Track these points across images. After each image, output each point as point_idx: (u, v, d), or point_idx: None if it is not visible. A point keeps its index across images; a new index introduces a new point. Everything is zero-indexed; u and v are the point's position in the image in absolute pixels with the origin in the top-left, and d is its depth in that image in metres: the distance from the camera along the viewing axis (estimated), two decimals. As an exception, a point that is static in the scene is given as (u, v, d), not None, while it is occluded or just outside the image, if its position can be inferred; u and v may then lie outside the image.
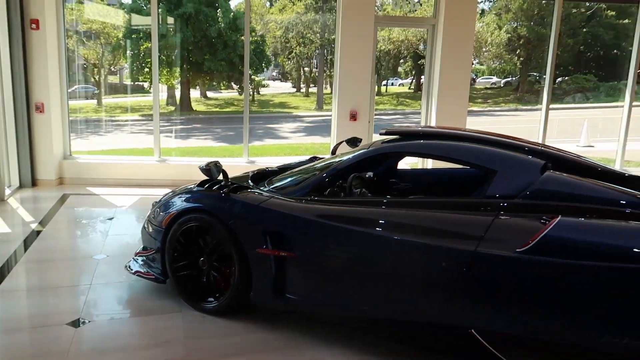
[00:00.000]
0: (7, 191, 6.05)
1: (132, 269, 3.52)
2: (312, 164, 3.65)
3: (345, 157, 3.19)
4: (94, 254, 4.20)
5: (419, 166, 7.00)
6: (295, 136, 15.02)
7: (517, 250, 2.20)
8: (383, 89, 23.77)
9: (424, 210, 2.61)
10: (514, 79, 22.60)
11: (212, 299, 3.13)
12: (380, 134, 3.24)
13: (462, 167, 3.33)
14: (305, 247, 2.80)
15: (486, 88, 22.99)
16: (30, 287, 3.61)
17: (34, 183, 6.54)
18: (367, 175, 3.55)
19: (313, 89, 23.41)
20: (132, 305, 3.31)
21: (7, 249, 4.27)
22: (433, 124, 6.86)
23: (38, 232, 4.70)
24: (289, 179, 3.33)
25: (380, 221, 2.63)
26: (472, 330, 2.30)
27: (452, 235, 2.42)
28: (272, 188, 3.25)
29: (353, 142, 4.17)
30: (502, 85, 23.35)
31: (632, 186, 2.62)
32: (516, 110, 18.78)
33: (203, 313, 3.13)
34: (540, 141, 7.43)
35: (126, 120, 14.94)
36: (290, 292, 2.86)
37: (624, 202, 2.32)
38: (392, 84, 25.37)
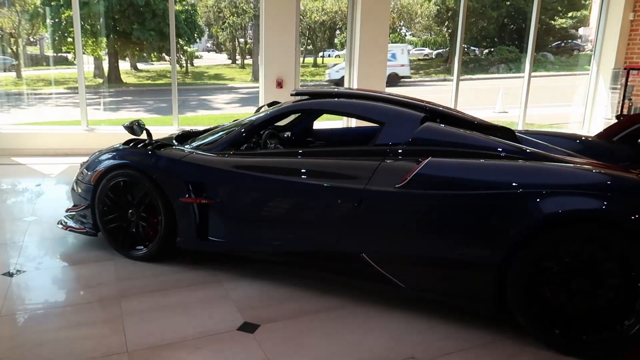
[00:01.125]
0: None
1: (64, 224, 3.80)
2: (231, 123, 4.03)
3: (259, 115, 3.60)
4: (24, 217, 4.40)
5: (342, 126, 7.53)
6: (230, 107, 15.14)
7: (397, 186, 2.72)
8: (319, 60, 24.11)
9: (324, 158, 3.09)
10: (444, 50, 23.64)
11: (141, 247, 3.47)
12: (291, 95, 3.69)
13: (369, 125, 3.86)
14: (223, 195, 3.21)
15: (419, 59, 23.93)
16: (-39, 247, 3.79)
17: (-46, 155, 6.47)
18: (285, 135, 4.00)
19: (249, 61, 23.34)
20: (66, 257, 3.59)
21: None
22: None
23: (-36, 200, 4.80)
24: (210, 137, 3.67)
25: (286, 168, 3.08)
26: (363, 254, 2.82)
27: (346, 178, 2.87)
28: (194, 146, 3.61)
29: (273, 105, 4.57)
30: (433, 57, 24.37)
31: (501, 136, 3.21)
32: (444, 80, 19.78)
33: (133, 260, 3.48)
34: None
35: (50, 94, 14.43)
36: (213, 235, 3.26)
37: (487, 146, 2.82)
38: (329, 55, 25.76)
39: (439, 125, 3.06)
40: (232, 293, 3.07)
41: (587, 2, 20.82)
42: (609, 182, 2.42)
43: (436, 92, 17.70)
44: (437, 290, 2.72)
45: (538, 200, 2.39)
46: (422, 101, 3.53)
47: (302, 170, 3.05)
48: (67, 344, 2.50)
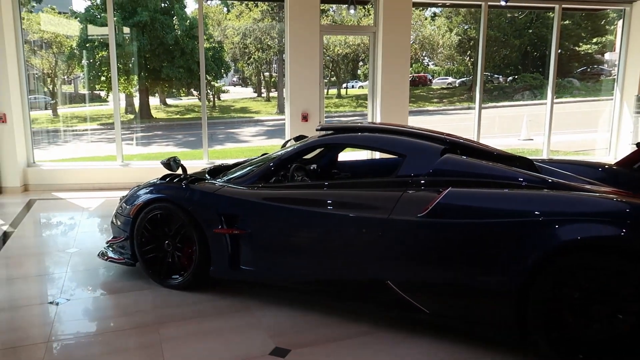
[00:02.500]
0: (-26, 199, 6.40)
1: (104, 256, 4.04)
2: (260, 157, 4.26)
3: (287, 150, 3.80)
4: (66, 249, 4.68)
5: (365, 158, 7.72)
6: (256, 139, 15.51)
7: (419, 215, 2.84)
8: (343, 91, 24.57)
9: (348, 189, 3.26)
10: (468, 79, 23.81)
11: (176, 276, 3.67)
12: (316, 130, 3.92)
13: (391, 157, 4.06)
14: (254, 225, 3.38)
15: (442, 88, 24.13)
16: (10, 276, 4.03)
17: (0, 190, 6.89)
18: (311, 167, 4.20)
19: (274, 94, 23.95)
20: (106, 286, 3.81)
21: (-18, 248, 4.68)
22: (378, 121, 7.59)
23: (9, 233, 5.13)
24: (240, 172, 3.88)
25: (313, 200, 3.26)
26: (388, 282, 2.93)
27: (370, 208, 3.01)
28: (225, 179, 3.82)
29: (300, 139, 4.81)
30: (457, 85, 24.55)
31: (519, 166, 3.33)
32: (468, 108, 19.89)
33: (169, 289, 3.68)
34: (475, 137, 8.27)
35: (85, 130, 15.10)
36: (244, 264, 3.44)
37: (508, 176, 2.94)
38: (352, 87, 26.24)
39: (458, 157, 3.20)
40: (263, 320, 3.20)
41: (612, 28, 20.82)
42: (627, 210, 2.48)
43: (460, 120, 17.81)
44: (459, 316, 2.79)
45: (557, 227, 2.46)
46: (442, 134, 3.70)
47: (328, 202, 3.19)
48: (111, 368, 2.69)
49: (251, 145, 13.86)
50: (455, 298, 2.78)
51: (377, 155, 7.42)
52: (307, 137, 4.82)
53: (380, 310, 3.14)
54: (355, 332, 3.03)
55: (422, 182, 3.04)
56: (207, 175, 4.09)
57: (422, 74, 23.34)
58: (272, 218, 3.34)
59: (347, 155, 6.51)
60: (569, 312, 2.51)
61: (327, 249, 3.17)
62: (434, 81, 23.71)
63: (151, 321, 3.21)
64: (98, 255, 4.13)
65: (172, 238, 3.66)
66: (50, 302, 3.51)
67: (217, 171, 4.26)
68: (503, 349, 2.80)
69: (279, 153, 3.83)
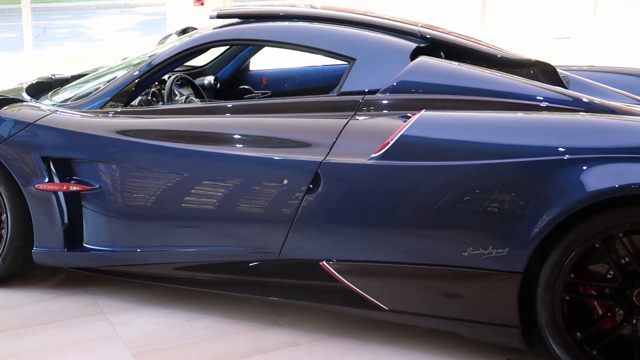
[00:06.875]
0: None
1: None
2: (117, 64, 4.03)
3: (162, 50, 3.61)
4: None
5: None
6: (122, 36, 15.06)
7: (373, 155, 2.78)
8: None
9: (263, 115, 3.20)
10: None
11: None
12: (210, 18, 3.73)
13: (338, 63, 3.98)
14: (106, 177, 3.25)
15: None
16: None
17: None
18: (205, 81, 4.10)
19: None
20: None
21: None
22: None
23: None
24: (83, 88, 3.70)
25: (205, 133, 3.19)
26: (323, 262, 2.90)
27: (296, 145, 3.00)
28: (58, 100, 3.66)
29: (187, 33, 4.62)
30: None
31: (538, 76, 3.36)
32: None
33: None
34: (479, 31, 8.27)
35: None
36: (91, 242, 3.33)
37: (517, 94, 2.97)
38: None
39: (438, 61, 3.18)
40: (122, 329, 3.16)
41: None
42: None
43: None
44: (434, 313, 2.87)
45: (585, 170, 2.55)
46: (418, 24, 3.64)
47: (230, 135, 3.16)
48: None
49: (111, 45, 13.42)
50: (428, 286, 2.85)
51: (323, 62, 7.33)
52: (198, 29, 4.67)
53: (311, 307, 3.19)
54: (268, 345, 3.05)
55: (380, 102, 3.01)
56: (24, 93, 3.84)
57: None
58: (136, 164, 3.24)
59: (271, 63, 6.37)
60: (597, 300, 2.65)
61: (227, 213, 3.13)
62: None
63: None
64: None
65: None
66: None
67: (45, 87, 4.03)
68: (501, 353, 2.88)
69: (149, 56, 3.65)
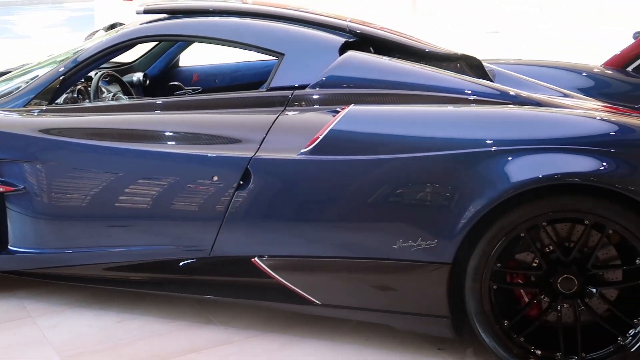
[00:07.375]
0: None
1: None
2: (42, 61, 3.96)
3: (88, 46, 3.58)
4: None
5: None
6: (48, 33, 14.74)
7: (302, 150, 2.81)
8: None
9: (192, 112, 3.23)
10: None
11: None
12: (137, 13, 3.69)
13: (269, 59, 3.98)
14: (30, 177, 3.19)
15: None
16: None
17: None
18: (133, 78, 4.06)
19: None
20: None
21: None
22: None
23: None
24: (5, 85, 3.66)
25: (133, 130, 3.18)
26: (255, 259, 2.92)
27: (225, 141, 3.04)
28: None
29: (114, 29, 4.56)
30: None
31: (464, 70, 3.44)
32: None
33: None
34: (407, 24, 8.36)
35: None
36: (16, 243, 3.28)
37: (445, 87, 3.03)
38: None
39: (366, 56, 3.21)
40: (51, 333, 3.12)
41: None
42: (613, 134, 2.68)
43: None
44: (366, 306, 2.91)
45: (510, 161, 2.60)
46: (346, 19, 3.66)
47: (158, 133, 3.15)
48: None
49: (37, 42, 13.13)
50: (358, 279, 2.89)
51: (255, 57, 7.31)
52: (126, 25, 4.61)
53: (244, 304, 3.21)
54: (203, 344, 3.04)
55: (310, 97, 3.05)
56: None
57: None
58: (62, 163, 3.21)
59: (201, 60, 6.33)
60: (524, 288, 2.73)
61: (157, 211, 3.11)
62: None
63: None
64: None
65: None
66: None
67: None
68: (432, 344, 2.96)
69: (75, 52, 3.61)
